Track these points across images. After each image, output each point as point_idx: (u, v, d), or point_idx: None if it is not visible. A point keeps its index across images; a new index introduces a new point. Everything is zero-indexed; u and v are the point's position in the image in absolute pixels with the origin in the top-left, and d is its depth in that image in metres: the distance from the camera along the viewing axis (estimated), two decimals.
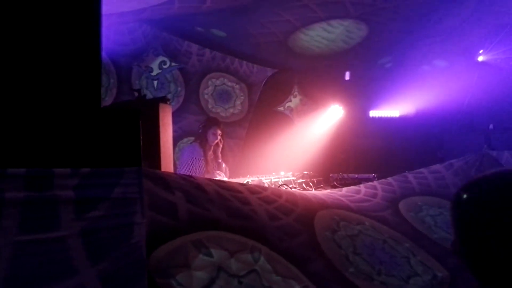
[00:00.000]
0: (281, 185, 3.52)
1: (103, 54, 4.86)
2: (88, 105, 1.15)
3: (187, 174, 3.50)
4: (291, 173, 3.94)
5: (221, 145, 3.73)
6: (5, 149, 0.95)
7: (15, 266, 0.92)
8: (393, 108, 6.08)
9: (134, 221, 1.11)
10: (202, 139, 3.72)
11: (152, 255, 1.31)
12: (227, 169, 3.85)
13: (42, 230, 0.96)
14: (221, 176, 3.64)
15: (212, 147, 3.69)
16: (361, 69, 6.02)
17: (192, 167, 3.60)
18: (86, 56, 1.18)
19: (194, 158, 3.64)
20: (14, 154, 0.96)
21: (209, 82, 6.02)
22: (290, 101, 6.65)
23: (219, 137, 3.68)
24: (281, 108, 6.63)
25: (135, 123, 1.19)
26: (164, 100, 2.66)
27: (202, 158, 3.65)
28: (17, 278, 0.92)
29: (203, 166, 3.64)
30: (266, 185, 3.36)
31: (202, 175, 3.52)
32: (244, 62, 6.17)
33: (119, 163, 1.13)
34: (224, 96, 6.15)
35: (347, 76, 6.11)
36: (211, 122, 3.84)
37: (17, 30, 1.08)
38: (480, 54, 5.40)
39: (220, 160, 3.74)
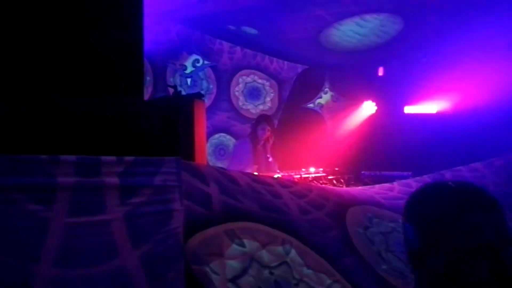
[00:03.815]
0: (311, 181, 3.51)
1: None
2: (133, 98, 1.22)
3: (238, 168, 3.69)
4: (321, 169, 3.92)
5: (271, 141, 3.90)
6: (58, 137, 1.03)
7: (65, 246, 0.99)
8: (430, 104, 5.86)
9: (173, 208, 1.16)
10: (252, 135, 3.91)
11: (187, 242, 1.36)
12: (276, 165, 3.95)
13: (90, 213, 1.03)
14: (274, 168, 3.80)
15: (262, 142, 3.82)
16: (396, 64, 5.86)
17: (242, 160, 3.75)
18: (130, 53, 1.25)
19: (244, 152, 3.85)
20: (66, 142, 1.04)
21: (240, 80, 6.08)
22: (321, 97, 6.59)
23: (268, 133, 3.78)
24: (311, 105, 6.59)
25: (175, 116, 1.24)
26: (199, 96, 2.73)
27: (252, 152, 3.82)
28: (67, 257, 0.99)
29: (252, 160, 3.77)
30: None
31: (252, 170, 3.67)
32: (275, 59, 6.18)
33: (159, 152, 1.18)
34: (254, 93, 6.19)
35: (381, 71, 5.97)
36: (261, 118, 4.08)
37: (68, 32, 1.16)
38: None
39: (268, 155, 3.89)
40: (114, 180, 1.07)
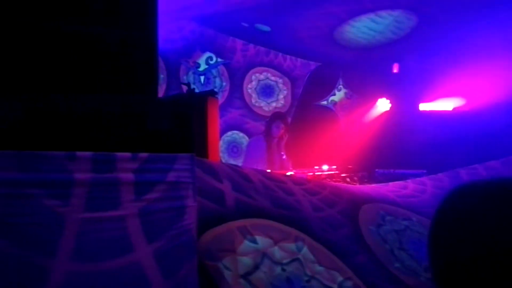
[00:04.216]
0: (324, 178, 3.50)
1: None
2: (147, 96, 1.24)
3: (252, 165, 3.71)
4: (335, 167, 3.90)
5: (285, 139, 3.90)
6: (73, 135, 1.05)
7: (81, 240, 1.01)
8: (446, 102, 5.76)
9: (186, 204, 1.18)
10: (266, 132, 3.90)
11: (201, 238, 1.38)
12: (290, 162, 3.96)
13: (106, 209, 1.05)
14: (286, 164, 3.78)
15: (276, 140, 3.81)
16: (411, 61, 5.77)
17: (256, 158, 3.76)
18: (145, 50, 1.26)
19: (257, 150, 3.83)
20: (81, 139, 1.06)
21: (253, 77, 6.08)
22: (334, 94, 6.54)
23: (282, 131, 3.82)
24: (325, 102, 6.54)
25: (188, 113, 1.26)
26: (212, 94, 2.75)
27: (266, 150, 3.77)
28: (82, 251, 1.02)
29: (266, 159, 3.79)
30: None
31: (265, 168, 3.66)
32: (288, 56, 6.16)
33: (173, 149, 1.20)
34: (267, 91, 6.18)
35: (396, 68, 5.89)
36: (275, 115, 4.07)
37: (83, 29, 1.18)
38: None
39: (282, 153, 3.89)
40: (129, 176, 1.09)
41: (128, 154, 1.09)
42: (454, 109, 5.70)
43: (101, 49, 1.15)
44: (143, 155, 1.11)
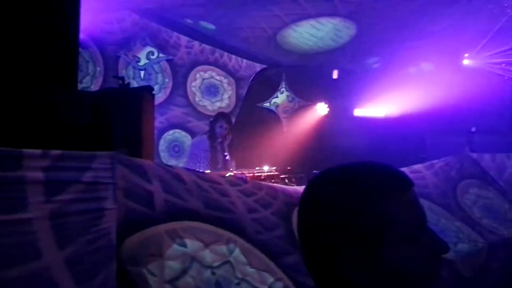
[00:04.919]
0: (263, 179, 3.53)
1: (90, 42, 4.79)
2: (63, 89, 1.13)
3: (195, 165, 3.62)
4: (275, 168, 3.96)
5: (228, 139, 3.84)
6: None
7: None
8: (378, 108, 6.15)
9: (105, 206, 1.10)
10: (210, 132, 3.85)
11: (124, 242, 1.29)
12: (233, 163, 3.92)
13: (8, 211, 0.94)
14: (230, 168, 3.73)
15: (219, 140, 3.77)
16: (349, 68, 6.07)
17: (199, 158, 3.68)
18: (62, 39, 1.16)
19: (201, 150, 3.74)
20: None
21: (197, 75, 5.98)
22: (277, 97, 6.66)
23: (225, 131, 3.78)
24: (267, 104, 6.64)
25: (109, 108, 1.18)
26: (148, 89, 2.64)
27: (209, 150, 3.73)
28: None
29: (209, 158, 3.72)
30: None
31: (208, 167, 3.59)
32: (233, 56, 6.15)
33: (92, 147, 1.11)
34: (211, 90, 6.11)
35: (335, 74, 6.15)
36: (219, 115, 4.02)
37: None
38: (465, 58, 5.51)
39: (226, 153, 3.82)
40: (38, 175, 0.98)
41: (37, 151, 0.98)
42: (386, 115, 6.11)
43: (8, 35, 1.03)
44: (56, 152, 1.01)
